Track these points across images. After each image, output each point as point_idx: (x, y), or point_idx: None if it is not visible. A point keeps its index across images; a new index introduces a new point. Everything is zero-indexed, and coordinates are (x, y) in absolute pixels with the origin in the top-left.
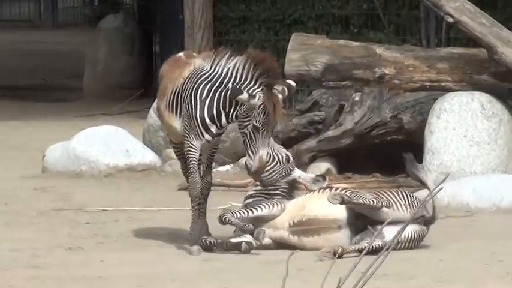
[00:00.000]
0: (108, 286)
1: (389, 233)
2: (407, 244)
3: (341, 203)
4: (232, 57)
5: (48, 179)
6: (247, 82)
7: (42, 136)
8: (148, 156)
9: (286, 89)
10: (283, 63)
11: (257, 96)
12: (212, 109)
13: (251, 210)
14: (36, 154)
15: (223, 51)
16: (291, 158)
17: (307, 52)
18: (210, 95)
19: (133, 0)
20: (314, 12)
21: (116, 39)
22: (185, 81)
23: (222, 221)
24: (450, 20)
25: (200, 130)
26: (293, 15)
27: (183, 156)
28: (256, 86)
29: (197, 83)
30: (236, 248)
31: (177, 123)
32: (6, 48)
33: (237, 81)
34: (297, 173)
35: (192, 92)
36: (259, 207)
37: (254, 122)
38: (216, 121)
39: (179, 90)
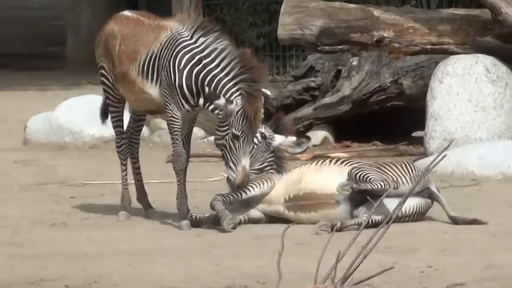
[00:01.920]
0: (95, 264)
1: (392, 206)
2: (411, 218)
3: (352, 192)
4: (220, 40)
5: (30, 151)
6: (227, 78)
7: (23, 106)
8: None
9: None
10: (276, 27)
11: (234, 102)
12: (191, 82)
13: (242, 192)
14: (17, 125)
15: (209, 24)
16: (266, 133)
17: (301, 15)
18: (188, 67)
19: None
20: None
21: (100, 2)
22: (163, 46)
23: (211, 207)
24: None
25: (180, 99)
26: None
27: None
28: (235, 89)
29: (176, 50)
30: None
31: (152, 90)
32: None
33: (217, 69)
34: (277, 140)
35: (170, 59)
36: (249, 187)
37: (233, 130)
38: (195, 95)
39: (156, 56)
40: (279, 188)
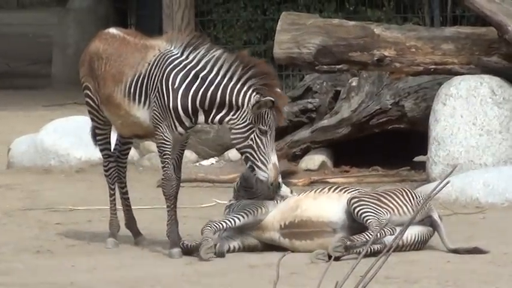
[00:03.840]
0: None
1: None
2: (412, 247)
3: (346, 251)
4: (212, 50)
5: (13, 175)
6: (232, 82)
7: (6, 128)
8: None
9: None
10: (272, 45)
11: (254, 98)
12: (187, 101)
13: (236, 219)
14: (0, 148)
15: (198, 39)
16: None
17: (298, 33)
18: (184, 85)
19: None
20: None
21: (87, 20)
22: (151, 66)
23: (201, 234)
24: None
25: (173, 121)
26: None
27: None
28: (245, 88)
29: (167, 70)
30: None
31: (140, 113)
32: None
33: (218, 78)
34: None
35: (162, 79)
36: (243, 214)
37: (260, 126)
38: (191, 115)
39: (144, 77)
40: (275, 215)
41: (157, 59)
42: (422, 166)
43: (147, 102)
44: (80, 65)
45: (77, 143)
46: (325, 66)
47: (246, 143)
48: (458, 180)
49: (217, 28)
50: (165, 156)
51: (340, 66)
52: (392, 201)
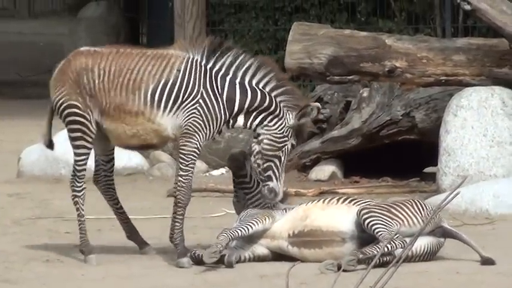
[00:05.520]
0: None
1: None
2: (422, 258)
3: (360, 264)
4: (241, 57)
5: (24, 184)
6: (267, 90)
7: (17, 137)
8: (134, 159)
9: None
10: (283, 55)
11: (289, 115)
12: (233, 106)
13: (249, 226)
14: (10, 157)
15: (218, 44)
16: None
17: (309, 43)
18: (226, 92)
19: None
20: None
21: (99, 29)
22: (183, 74)
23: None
24: (467, 7)
25: (214, 129)
26: (294, 2)
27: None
28: (278, 100)
29: (207, 78)
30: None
31: (163, 120)
32: None
33: (254, 82)
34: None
35: (200, 87)
36: (255, 221)
37: (293, 141)
38: (231, 120)
39: (173, 84)
40: (284, 224)
41: (187, 67)
42: (432, 177)
43: (174, 109)
44: (55, 87)
45: None
46: (336, 77)
47: (276, 153)
48: (468, 191)
49: (228, 38)
50: (190, 165)
51: (351, 77)
52: (402, 212)
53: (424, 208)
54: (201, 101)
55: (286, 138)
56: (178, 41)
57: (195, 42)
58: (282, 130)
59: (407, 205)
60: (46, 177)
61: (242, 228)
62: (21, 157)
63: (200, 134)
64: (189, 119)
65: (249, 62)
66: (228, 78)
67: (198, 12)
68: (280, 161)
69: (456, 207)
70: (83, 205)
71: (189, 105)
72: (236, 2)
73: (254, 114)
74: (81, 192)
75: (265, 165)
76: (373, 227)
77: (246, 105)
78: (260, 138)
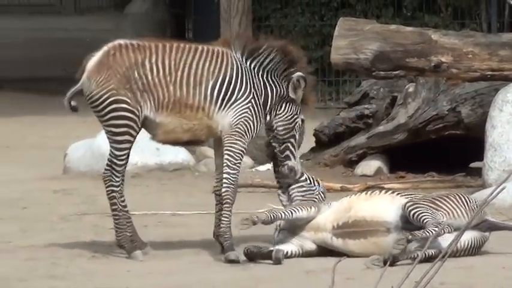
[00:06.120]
0: None
1: (445, 240)
2: (466, 252)
3: (408, 242)
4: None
5: (70, 180)
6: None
7: (63, 133)
8: (180, 155)
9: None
10: (329, 50)
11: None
12: (266, 107)
13: (289, 212)
14: (56, 153)
15: (253, 39)
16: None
17: (355, 38)
18: (263, 92)
19: None
20: None
21: (145, 25)
22: (238, 72)
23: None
24: None
25: (259, 130)
26: None
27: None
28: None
29: (258, 74)
30: (266, 257)
31: (218, 116)
32: (24, 36)
33: (278, 76)
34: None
35: (253, 83)
36: (298, 208)
37: (302, 116)
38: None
39: (230, 81)
40: (328, 216)
41: (242, 66)
42: (478, 172)
43: (227, 107)
44: (95, 80)
45: (133, 148)
46: (382, 72)
47: (290, 133)
48: None
49: (274, 34)
50: (238, 164)
51: (397, 72)
52: (447, 204)
53: (469, 201)
54: (252, 101)
55: (296, 116)
56: (224, 38)
57: (235, 39)
58: (291, 110)
59: (452, 198)
60: (92, 173)
61: (285, 211)
62: (67, 153)
63: (249, 133)
64: (241, 118)
65: (276, 59)
66: (264, 78)
67: (244, 8)
68: (295, 139)
69: (502, 202)
70: (121, 201)
71: (242, 104)
72: None
73: (273, 108)
74: (119, 188)
75: (281, 147)
76: (419, 216)
77: (273, 103)
78: (274, 127)
